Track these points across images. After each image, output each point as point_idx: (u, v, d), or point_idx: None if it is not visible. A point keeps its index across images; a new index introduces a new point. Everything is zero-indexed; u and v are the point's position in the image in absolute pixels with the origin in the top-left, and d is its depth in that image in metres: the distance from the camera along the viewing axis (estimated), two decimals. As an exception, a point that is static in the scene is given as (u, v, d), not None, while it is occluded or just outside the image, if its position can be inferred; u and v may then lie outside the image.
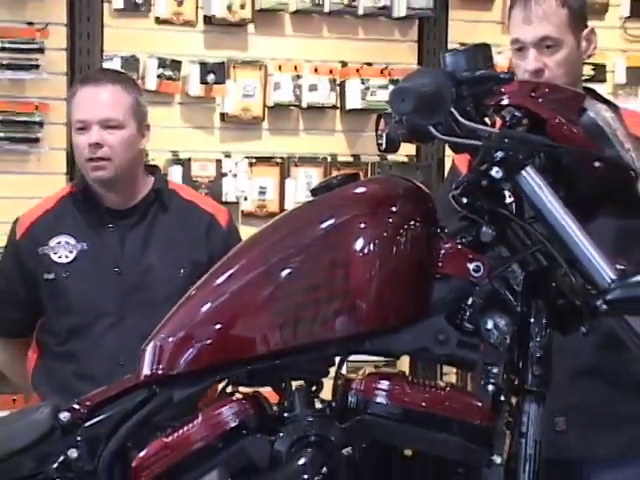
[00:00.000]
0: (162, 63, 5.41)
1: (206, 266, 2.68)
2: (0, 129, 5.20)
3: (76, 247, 3.90)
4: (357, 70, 5.69)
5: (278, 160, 5.60)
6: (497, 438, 2.43)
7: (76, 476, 2.43)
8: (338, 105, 5.69)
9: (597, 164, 2.53)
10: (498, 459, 2.42)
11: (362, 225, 2.46)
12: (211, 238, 3.94)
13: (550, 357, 2.49)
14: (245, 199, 5.51)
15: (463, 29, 5.75)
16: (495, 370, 2.44)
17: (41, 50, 5.25)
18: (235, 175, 5.51)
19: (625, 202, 2.61)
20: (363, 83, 5.65)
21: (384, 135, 2.61)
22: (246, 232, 3.65)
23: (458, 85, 2.50)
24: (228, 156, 5.54)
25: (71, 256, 3.90)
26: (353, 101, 5.66)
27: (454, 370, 2.62)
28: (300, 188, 5.50)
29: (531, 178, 2.49)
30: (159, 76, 5.39)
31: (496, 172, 2.48)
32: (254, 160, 5.56)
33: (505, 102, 2.56)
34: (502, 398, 2.45)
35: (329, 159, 5.63)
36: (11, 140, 5.22)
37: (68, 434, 2.45)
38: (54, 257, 3.90)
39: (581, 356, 3.21)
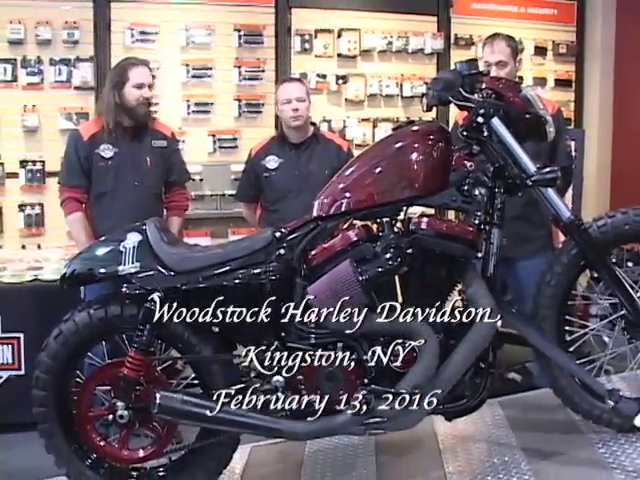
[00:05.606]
0: (318, 75, 5.28)
1: (337, 170, 2.57)
2: (244, 108, 5.14)
3: (278, 161, 3.85)
4: (409, 78, 5.49)
5: (371, 120, 5.43)
6: (479, 245, 2.35)
7: (284, 261, 2.38)
8: (399, 94, 5.50)
9: (527, 116, 2.41)
10: (479, 254, 2.36)
11: (416, 144, 2.35)
12: (339, 156, 3.82)
13: (504, 208, 2.39)
14: (356, 138, 5.36)
15: (458, 59, 5.54)
16: (479, 213, 2.36)
17: (262, 71, 5.18)
18: (351, 127, 5.37)
19: (539, 134, 2.46)
20: (411, 84, 5.46)
21: (425, 103, 2.49)
22: (357, 152, 3.52)
23: (462, 77, 2.41)
24: (348, 117, 5.38)
25: (275, 165, 3.85)
26: (406, 92, 5.47)
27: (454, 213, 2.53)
28: (381, 133, 5.32)
29: (497, 122, 2.38)
30: (316, 82, 5.26)
31: (480, 119, 2.38)
32: (360, 120, 5.40)
33: (484, 86, 2.44)
34: (482, 226, 2.37)
35: (395, 119, 5.43)
36: (249, 112, 5.16)
37: (279, 242, 2.41)
38: (267, 165, 3.86)
39: (517, 208, 3.08)
